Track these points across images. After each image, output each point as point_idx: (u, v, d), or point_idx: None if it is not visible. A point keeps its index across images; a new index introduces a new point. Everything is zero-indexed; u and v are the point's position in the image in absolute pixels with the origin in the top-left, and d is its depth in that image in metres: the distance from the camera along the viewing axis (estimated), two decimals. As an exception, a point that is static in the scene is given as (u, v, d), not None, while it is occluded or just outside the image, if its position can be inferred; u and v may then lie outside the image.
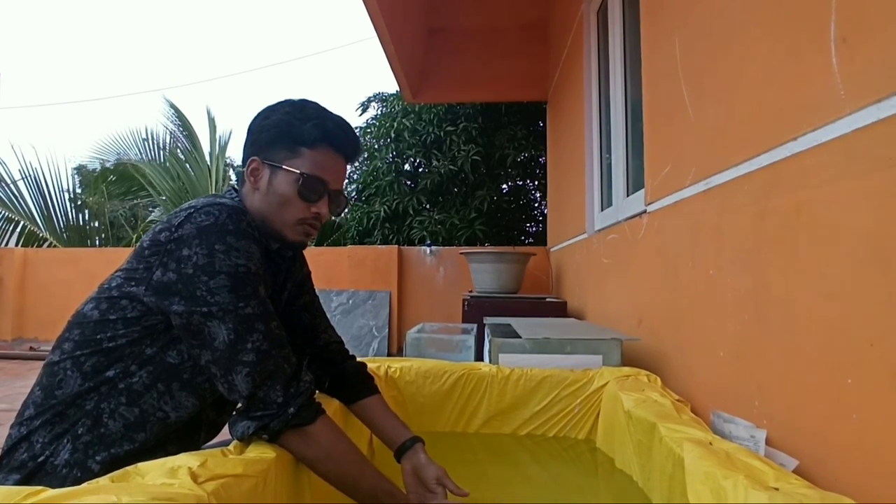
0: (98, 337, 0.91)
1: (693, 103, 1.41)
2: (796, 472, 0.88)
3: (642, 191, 1.89)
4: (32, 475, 0.85)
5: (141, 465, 0.67)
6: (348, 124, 1.07)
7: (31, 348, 5.10)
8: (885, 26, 0.75)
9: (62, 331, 0.95)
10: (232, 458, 0.75)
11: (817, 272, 0.89)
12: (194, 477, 0.65)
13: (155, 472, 0.65)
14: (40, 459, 0.86)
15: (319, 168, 1.01)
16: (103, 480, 0.61)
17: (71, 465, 0.86)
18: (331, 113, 1.06)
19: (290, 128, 1.00)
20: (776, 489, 0.66)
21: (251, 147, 1.03)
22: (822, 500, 0.60)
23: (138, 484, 0.62)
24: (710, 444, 0.87)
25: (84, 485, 0.59)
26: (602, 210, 2.75)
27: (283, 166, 1.00)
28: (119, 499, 0.54)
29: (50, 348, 0.95)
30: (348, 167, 1.12)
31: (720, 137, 1.26)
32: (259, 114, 1.06)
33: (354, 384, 1.22)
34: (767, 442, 1.01)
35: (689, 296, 1.43)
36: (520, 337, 1.66)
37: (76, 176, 8.78)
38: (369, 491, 0.90)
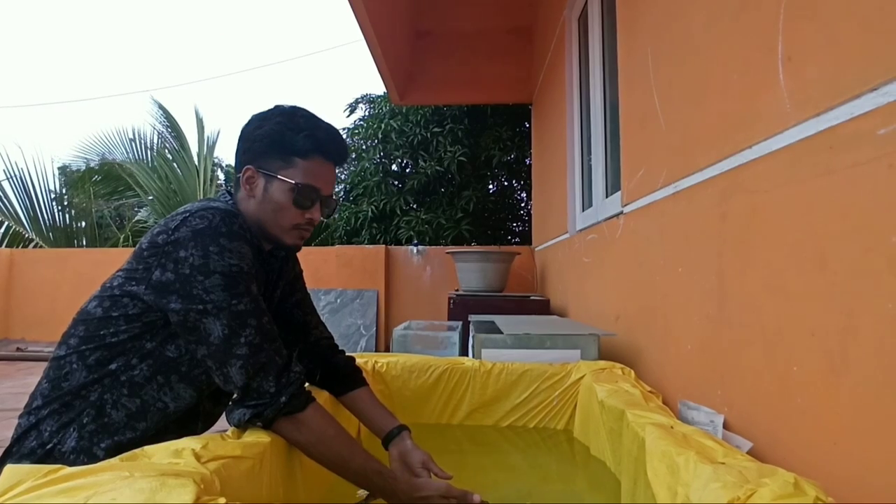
0: (101, 333, 0.98)
1: (663, 110, 1.49)
2: (751, 453, 0.96)
3: (619, 192, 1.97)
4: (41, 461, 0.90)
5: (147, 447, 0.73)
6: (337, 131, 1.13)
7: (19, 349, 5.08)
8: (822, 48, 0.83)
9: (67, 327, 1.01)
10: (231, 442, 0.82)
11: (768, 269, 0.97)
12: (197, 457, 0.71)
13: (161, 454, 0.71)
14: (48, 447, 0.92)
15: (312, 177, 1.07)
16: (114, 461, 0.68)
17: (77, 451, 0.92)
18: (321, 121, 1.11)
19: (282, 138, 1.06)
20: (722, 463, 0.74)
21: (245, 155, 1.09)
22: (759, 471, 0.68)
23: (147, 463, 0.68)
24: (672, 427, 0.94)
25: (98, 464, 0.65)
26: (583, 211, 2.83)
27: (279, 176, 1.06)
28: (132, 473, 0.61)
29: (38, 349, 1.01)
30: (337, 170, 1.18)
31: (687, 143, 1.34)
32: (251, 121, 1.10)
33: (344, 377, 1.28)
34: (727, 426, 1.09)
35: (660, 293, 1.51)
36: (502, 333, 1.73)
37: (60, 176, 8.71)
38: (359, 470, 0.96)
